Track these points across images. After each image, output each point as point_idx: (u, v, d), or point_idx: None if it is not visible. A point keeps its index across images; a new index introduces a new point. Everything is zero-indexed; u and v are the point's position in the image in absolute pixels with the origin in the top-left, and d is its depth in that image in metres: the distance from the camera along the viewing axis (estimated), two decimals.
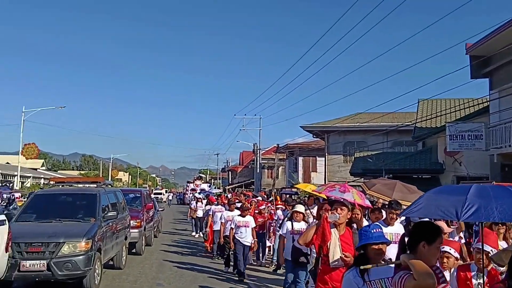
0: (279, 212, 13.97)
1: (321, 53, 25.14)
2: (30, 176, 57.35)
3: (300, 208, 9.26)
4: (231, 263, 12.54)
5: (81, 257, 9.03)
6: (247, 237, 11.67)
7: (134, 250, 14.95)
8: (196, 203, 22.92)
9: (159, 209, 22.98)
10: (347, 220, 5.81)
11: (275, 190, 42.89)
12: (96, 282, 9.66)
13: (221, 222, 13.45)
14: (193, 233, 22.70)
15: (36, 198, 11.64)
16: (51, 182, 13.83)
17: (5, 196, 21.72)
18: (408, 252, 3.30)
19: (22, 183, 40.25)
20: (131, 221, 14.71)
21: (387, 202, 7.94)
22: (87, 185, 12.85)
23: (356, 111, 36.46)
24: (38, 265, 8.83)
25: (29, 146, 40.20)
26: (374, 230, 3.90)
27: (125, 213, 13.40)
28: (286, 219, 9.85)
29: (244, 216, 11.96)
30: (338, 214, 5.52)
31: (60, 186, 13.14)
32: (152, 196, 37.63)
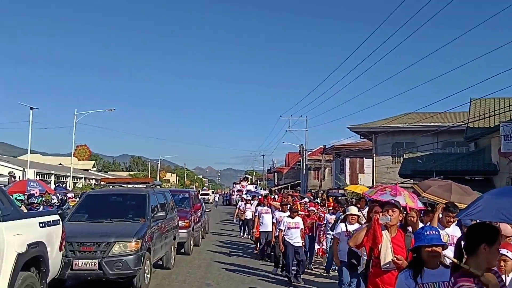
0: (328, 215, 13.72)
1: (370, 52, 24.81)
2: (82, 177, 59.04)
3: (353, 210, 9.20)
4: (280, 265, 12.43)
5: (131, 256, 9.13)
6: (297, 239, 11.51)
7: (182, 250, 15.10)
8: (245, 204, 22.71)
9: (206, 210, 23.00)
10: (401, 223, 5.69)
11: (321, 191, 42.68)
12: (146, 281, 9.77)
13: (273, 223, 13.32)
14: (241, 234, 22.56)
15: (87, 198, 11.86)
16: (102, 183, 14.03)
17: (59, 196, 22.38)
18: (466, 255, 3.19)
19: (75, 183, 41.54)
20: (180, 221, 14.78)
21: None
22: (137, 186, 12.98)
23: (405, 111, 35.82)
24: (90, 264, 8.98)
25: (81, 147, 41.36)
26: (428, 232, 3.79)
27: (174, 213, 13.47)
28: (339, 221, 9.75)
29: (293, 218, 11.79)
30: (390, 216, 5.40)
31: (111, 186, 13.29)
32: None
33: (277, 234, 12.24)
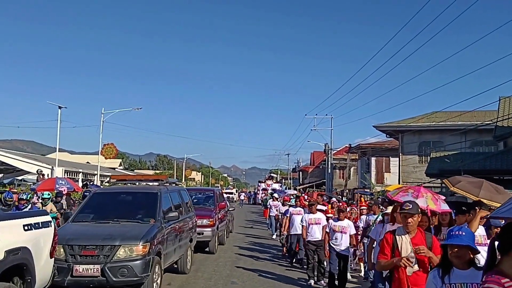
0: (364, 216, 12.01)
1: (396, 50, 24.54)
2: (109, 175, 59.80)
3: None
4: (320, 274, 11.13)
5: (138, 262, 8.34)
6: (343, 245, 10.18)
7: (207, 249, 15.06)
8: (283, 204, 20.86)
9: (230, 209, 22.68)
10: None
11: (347, 190, 42.41)
12: None
13: (302, 226, 11.74)
14: (274, 236, 20.90)
15: (94, 197, 10.90)
16: (112, 180, 13.34)
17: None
18: (500, 256, 3.13)
19: (102, 181, 42.10)
20: (204, 220, 14.82)
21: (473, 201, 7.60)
22: (150, 184, 11.93)
23: (432, 109, 35.30)
24: (92, 270, 8.20)
25: (108, 146, 41.91)
26: (455, 232, 3.74)
27: (191, 213, 12.64)
28: (377, 221, 9.35)
29: (342, 220, 10.46)
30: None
31: (122, 184, 12.49)
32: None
33: (311, 238, 11.11)
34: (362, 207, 12.80)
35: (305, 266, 12.07)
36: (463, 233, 3.69)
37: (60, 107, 35.56)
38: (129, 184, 12.17)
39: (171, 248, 10.11)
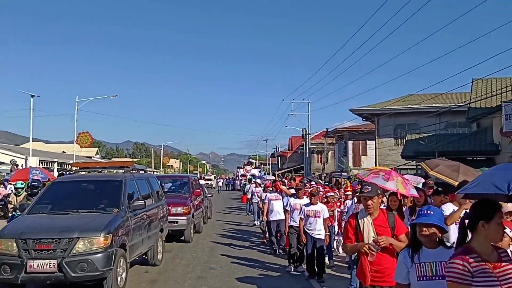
0: (349, 201, 11.39)
1: (370, 34, 24.62)
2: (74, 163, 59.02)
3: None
4: (298, 262, 10.93)
5: (99, 255, 7.77)
6: (317, 229, 9.87)
7: (182, 238, 14.82)
8: (263, 190, 19.60)
9: (208, 195, 22.61)
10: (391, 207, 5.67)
11: (325, 174, 42.70)
12: (119, 283, 8.45)
13: (287, 210, 11.38)
14: (256, 223, 20.13)
15: (53, 186, 10.18)
16: (74, 168, 11.89)
17: None
18: (470, 234, 3.21)
19: (77, 171, 41.83)
20: (179, 208, 14.51)
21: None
22: (115, 171, 11.45)
23: (407, 92, 35.57)
24: (48, 266, 7.58)
25: (83, 135, 41.40)
26: (424, 212, 3.81)
27: (161, 202, 11.98)
28: (354, 203, 9.23)
29: (315, 204, 10.09)
30: (369, 206, 5.27)
31: (85, 172, 11.60)
32: (202, 182, 37.78)
33: (292, 224, 10.81)
34: (347, 192, 12.22)
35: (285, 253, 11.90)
36: (431, 212, 3.75)
37: (32, 96, 34.93)
38: (93, 173, 11.47)
39: (138, 239, 9.54)
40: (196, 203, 16.76)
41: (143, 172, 12.60)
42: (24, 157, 38.53)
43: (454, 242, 4.39)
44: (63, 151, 66.65)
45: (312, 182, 17.83)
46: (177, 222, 14.32)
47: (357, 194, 10.20)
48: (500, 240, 3.25)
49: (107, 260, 7.89)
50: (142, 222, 9.89)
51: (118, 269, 8.29)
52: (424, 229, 3.72)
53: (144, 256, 10.69)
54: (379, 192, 5.43)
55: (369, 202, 5.29)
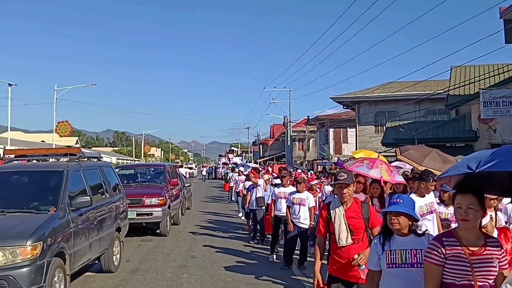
0: (328, 187, 11.18)
1: (350, 22, 24.67)
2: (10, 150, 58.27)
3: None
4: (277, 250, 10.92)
5: (24, 269, 6.03)
6: (302, 218, 9.64)
7: (158, 231, 14.00)
8: (246, 180, 18.22)
9: (186, 185, 21.73)
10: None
11: (306, 162, 42.88)
12: None
13: (272, 199, 11.22)
14: (240, 214, 19.20)
15: None
16: (8, 156, 9.53)
17: None
18: None
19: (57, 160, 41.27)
20: (153, 199, 13.73)
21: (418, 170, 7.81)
22: (57, 160, 9.34)
23: (387, 80, 35.84)
24: None
25: (62, 124, 40.92)
26: (393, 200, 3.84)
27: (118, 195, 10.24)
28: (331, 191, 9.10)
29: (301, 192, 9.89)
30: (344, 194, 5.09)
31: (22, 161, 9.45)
32: (182, 170, 37.12)
33: (278, 213, 10.66)
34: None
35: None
36: (401, 201, 3.78)
37: (10, 85, 34.42)
38: (35, 161, 9.29)
39: (84, 244, 7.83)
40: (173, 193, 15.91)
41: (97, 160, 10.51)
42: (2, 146, 37.93)
43: (426, 230, 4.45)
44: (42, 141, 65.79)
45: (299, 170, 17.67)
46: (151, 214, 13.57)
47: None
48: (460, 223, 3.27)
49: (36, 275, 6.13)
50: (90, 222, 8.14)
51: (53, 286, 6.51)
52: (393, 217, 3.73)
53: (96, 262, 9.21)
54: (354, 180, 5.28)
55: (345, 190, 5.09)
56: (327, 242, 5.40)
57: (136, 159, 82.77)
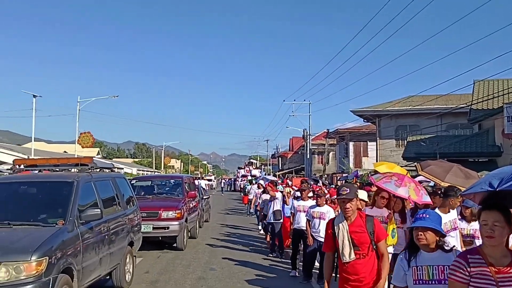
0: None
1: (372, 35, 24.62)
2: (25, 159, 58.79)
3: (363, 195, 7.78)
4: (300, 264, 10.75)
5: (28, 286, 5.70)
6: (321, 232, 9.12)
7: (175, 245, 13.66)
8: (262, 193, 18.57)
9: (205, 197, 21.51)
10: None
11: (326, 175, 42.68)
12: None
13: (292, 212, 11.27)
14: (260, 228, 18.60)
15: None
16: (18, 166, 9.07)
17: None
18: None
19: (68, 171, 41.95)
20: (170, 212, 13.35)
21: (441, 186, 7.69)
22: (67, 170, 8.88)
23: (408, 94, 35.53)
24: None
25: (85, 135, 41.43)
26: (419, 215, 3.78)
27: (132, 208, 9.92)
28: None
29: (321, 206, 9.79)
30: (348, 209, 4.94)
31: (33, 171, 9.07)
32: (201, 182, 36.77)
33: (297, 226, 10.59)
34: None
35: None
36: (427, 216, 3.72)
37: (35, 96, 35.03)
38: (47, 171, 8.91)
39: (94, 259, 7.40)
40: (190, 206, 15.46)
41: (110, 171, 10.24)
42: (26, 157, 38.51)
43: (454, 246, 4.37)
44: (65, 151, 66.73)
45: (319, 184, 17.39)
46: (168, 227, 13.20)
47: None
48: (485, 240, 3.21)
49: None
50: (100, 236, 7.72)
51: None
52: (420, 233, 3.67)
53: (106, 277, 8.63)
54: (357, 194, 5.12)
55: (348, 205, 4.94)
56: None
57: (156, 170, 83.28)
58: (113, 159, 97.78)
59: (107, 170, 9.89)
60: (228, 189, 67.39)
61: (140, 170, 75.65)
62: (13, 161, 9.37)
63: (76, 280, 6.61)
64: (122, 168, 67.58)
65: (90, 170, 8.53)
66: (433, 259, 3.68)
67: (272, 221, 13.06)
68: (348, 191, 4.93)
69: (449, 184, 7.58)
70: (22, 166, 9.13)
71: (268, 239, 14.25)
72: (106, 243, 7.91)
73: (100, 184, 8.42)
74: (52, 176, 8.43)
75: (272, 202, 13.26)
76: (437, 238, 3.70)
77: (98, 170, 9.04)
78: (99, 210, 7.43)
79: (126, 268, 9.03)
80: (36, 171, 9.03)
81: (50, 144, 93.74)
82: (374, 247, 4.97)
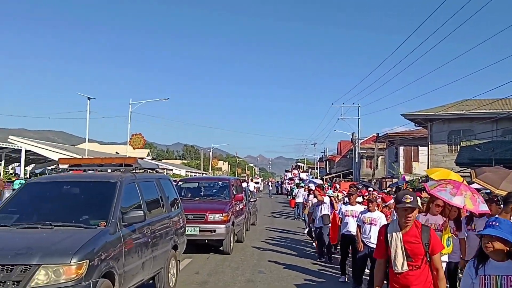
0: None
1: (424, 38, 24.10)
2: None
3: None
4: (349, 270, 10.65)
5: None
6: (372, 238, 8.99)
7: (221, 248, 13.44)
8: (308, 195, 19.13)
9: (252, 200, 21.28)
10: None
11: (375, 180, 42.05)
12: None
13: (339, 218, 11.23)
14: (306, 231, 18.23)
15: (26, 189, 7.75)
16: (62, 166, 8.91)
17: None
18: None
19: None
20: (217, 215, 13.13)
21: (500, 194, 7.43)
22: (112, 170, 8.63)
23: (462, 97, 34.68)
24: None
25: (136, 136, 42.46)
26: (490, 222, 3.63)
27: (176, 210, 9.60)
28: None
29: (372, 211, 9.62)
30: (409, 218, 4.70)
31: (74, 171, 8.78)
32: (250, 184, 36.67)
33: (345, 232, 10.50)
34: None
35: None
36: (497, 224, 3.57)
37: (89, 98, 36.23)
38: (91, 171, 8.68)
39: (136, 263, 7.11)
40: (237, 209, 15.17)
41: (156, 172, 10.02)
42: (80, 157, 39.76)
43: None
44: (116, 152, 68.47)
45: (370, 189, 16.99)
46: (214, 231, 13.00)
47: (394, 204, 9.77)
48: None
49: None
50: (144, 239, 7.45)
51: None
52: (488, 241, 3.55)
53: (150, 281, 8.31)
54: (419, 204, 4.88)
55: (411, 214, 4.71)
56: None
57: (204, 172, 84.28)
58: (162, 161, 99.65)
59: (151, 171, 9.65)
60: (275, 192, 67.33)
61: (188, 171, 76.78)
62: (57, 160, 9.31)
63: (118, 284, 6.34)
64: (171, 170, 68.81)
65: (134, 171, 8.38)
66: (502, 269, 3.54)
67: (320, 225, 12.95)
68: (412, 199, 4.70)
69: (503, 191, 7.31)
70: (66, 166, 8.89)
71: (316, 244, 14.04)
72: (149, 246, 7.65)
73: (144, 185, 8.19)
74: (95, 176, 8.22)
75: (320, 207, 13.13)
76: (507, 248, 3.54)
77: (142, 171, 8.89)
78: (142, 212, 7.15)
79: (170, 272, 8.77)
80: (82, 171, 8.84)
81: (103, 145, 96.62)
82: (428, 259, 4.73)
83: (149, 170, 9.45)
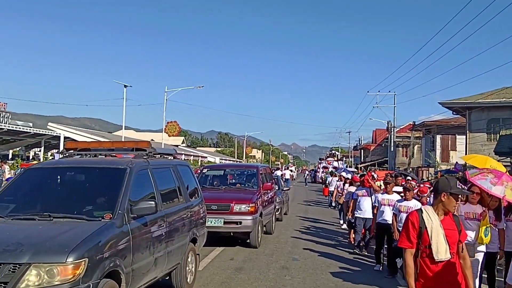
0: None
1: (463, 24, 23.49)
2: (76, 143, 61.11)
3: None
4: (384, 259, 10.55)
5: None
6: None
7: (248, 241, 12.55)
8: (344, 184, 18.35)
9: (285, 189, 20.59)
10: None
11: (410, 169, 41.47)
12: None
13: (375, 206, 10.79)
14: (341, 222, 17.72)
15: (26, 176, 6.97)
16: (69, 150, 7.83)
17: None
18: None
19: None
20: (243, 206, 12.15)
21: None
22: (123, 155, 7.73)
23: (502, 85, 33.63)
24: None
25: (171, 124, 42.95)
26: None
27: (195, 200, 8.69)
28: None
29: (409, 200, 9.63)
30: (456, 206, 4.68)
31: (83, 156, 7.62)
32: (286, 172, 36.23)
33: (380, 220, 10.36)
34: None
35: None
36: None
37: (125, 86, 36.73)
38: (96, 156, 7.64)
39: (147, 260, 6.31)
40: (266, 199, 14.09)
41: (173, 158, 8.94)
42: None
43: None
44: (152, 139, 69.34)
45: (408, 178, 16.43)
46: (240, 222, 12.05)
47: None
48: None
49: None
50: (157, 232, 6.62)
51: None
52: None
53: (166, 278, 7.55)
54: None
55: (458, 201, 4.73)
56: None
57: (238, 159, 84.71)
58: (197, 148, 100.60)
59: (168, 157, 8.62)
60: (310, 181, 67.12)
61: (222, 159, 77.28)
62: (64, 144, 8.50)
63: (124, 284, 5.59)
64: (206, 157, 69.39)
65: (147, 156, 7.40)
66: None
67: (368, 217, 12.00)
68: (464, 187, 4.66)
69: None
70: (74, 150, 7.83)
71: (352, 236, 13.04)
72: (163, 240, 6.82)
73: (158, 172, 7.29)
74: (102, 161, 7.29)
75: (366, 198, 12.28)
76: None
77: (158, 156, 7.90)
78: (153, 202, 6.26)
79: (187, 268, 7.92)
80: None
81: (139, 132, 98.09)
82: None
83: (166, 156, 8.54)
